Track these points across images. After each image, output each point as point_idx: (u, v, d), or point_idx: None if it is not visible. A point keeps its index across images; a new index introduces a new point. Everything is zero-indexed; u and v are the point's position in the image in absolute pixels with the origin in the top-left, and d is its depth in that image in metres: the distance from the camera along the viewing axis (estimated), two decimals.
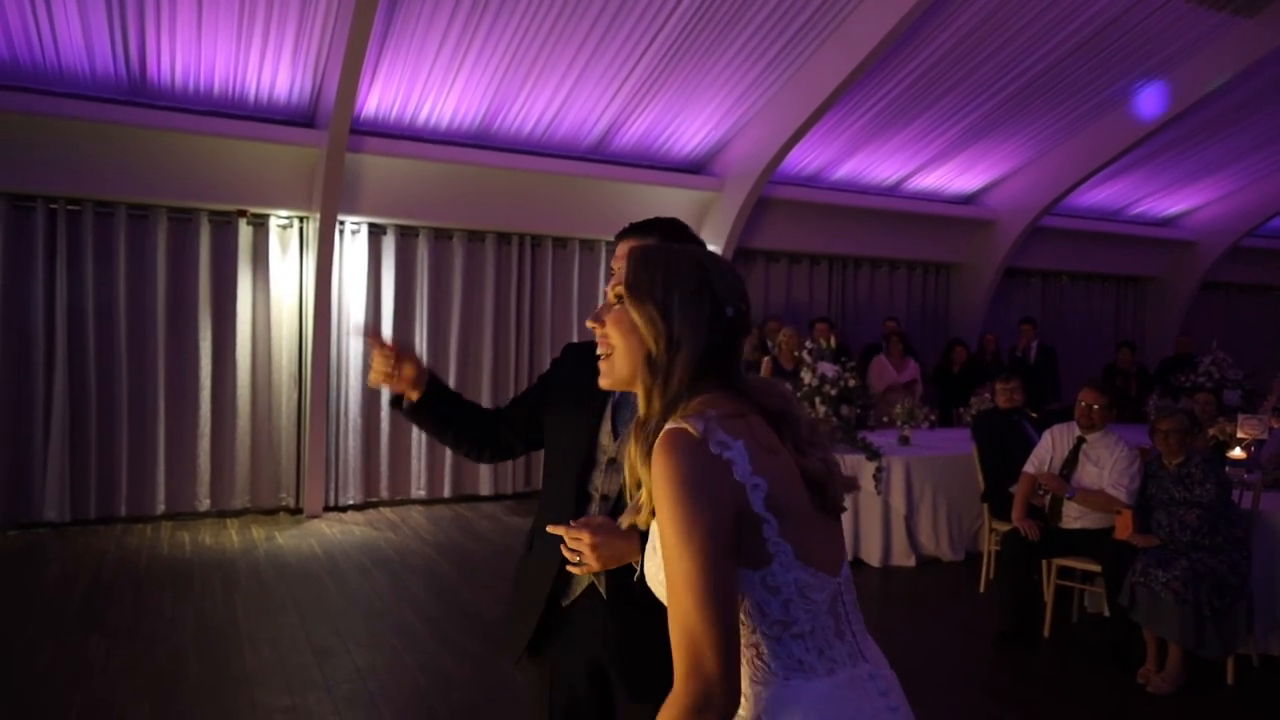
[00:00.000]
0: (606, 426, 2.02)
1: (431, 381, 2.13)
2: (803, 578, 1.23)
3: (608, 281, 1.98)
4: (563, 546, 1.73)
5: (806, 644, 1.26)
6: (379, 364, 2.03)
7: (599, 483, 2.00)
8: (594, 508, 1.99)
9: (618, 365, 1.37)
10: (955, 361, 9.22)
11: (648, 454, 1.24)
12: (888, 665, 1.37)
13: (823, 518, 1.30)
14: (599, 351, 1.42)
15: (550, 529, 1.81)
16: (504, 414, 2.22)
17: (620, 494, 1.96)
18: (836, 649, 1.29)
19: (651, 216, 2.21)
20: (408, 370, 2.06)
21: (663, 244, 1.44)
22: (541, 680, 2.05)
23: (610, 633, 1.93)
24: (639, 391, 1.34)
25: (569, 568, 1.79)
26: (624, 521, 1.43)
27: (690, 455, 1.19)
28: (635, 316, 1.33)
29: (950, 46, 7.42)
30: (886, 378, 8.61)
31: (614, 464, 1.99)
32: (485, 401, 8.24)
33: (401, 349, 2.04)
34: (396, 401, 2.13)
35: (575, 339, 8.59)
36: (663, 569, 1.24)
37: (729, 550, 1.18)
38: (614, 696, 1.99)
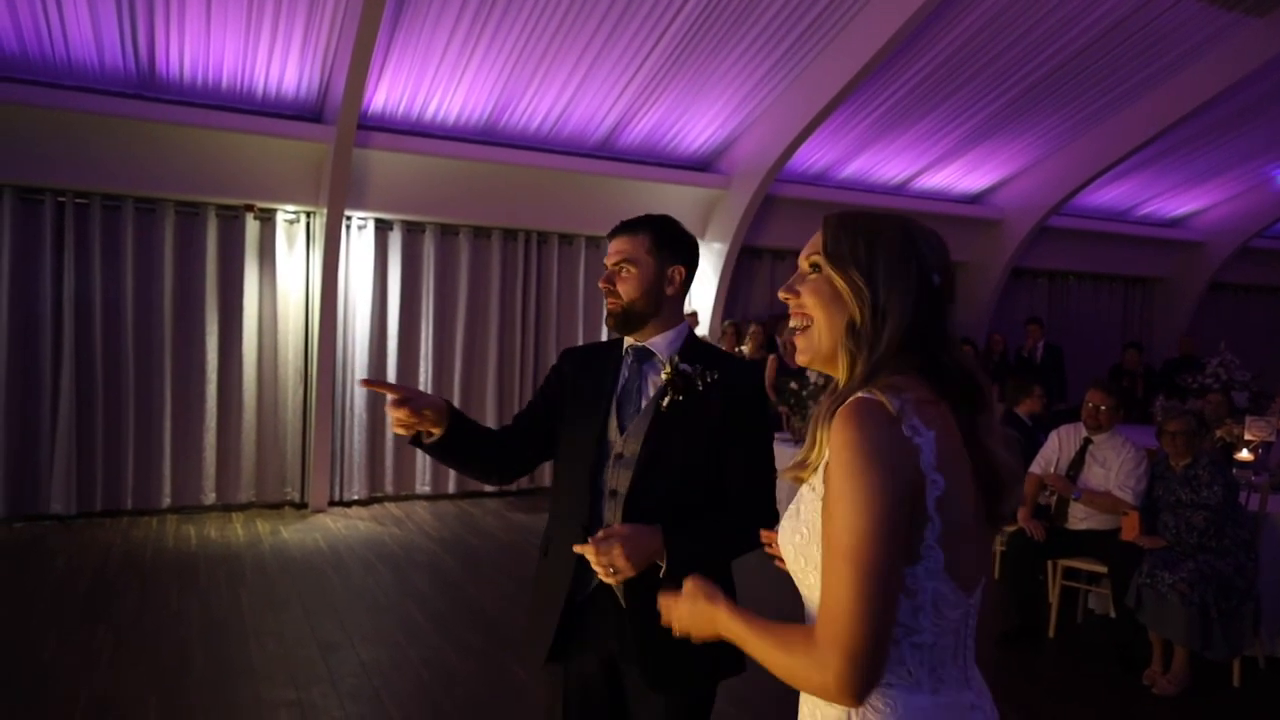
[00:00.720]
0: (613, 422, 2.02)
1: (452, 414, 1.99)
2: (942, 590, 1.17)
3: (602, 278, 2.02)
4: (595, 560, 1.81)
5: (923, 656, 1.21)
6: (400, 416, 1.89)
7: (610, 478, 1.99)
8: (607, 503, 1.99)
9: (817, 339, 1.27)
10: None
11: (831, 414, 1.18)
12: (991, 700, 1.32)
13: (982, 530, 1.23)
14: (793, 324, 1.31)
15: (577, 549, 1.86)
16: (514, 430, 2.17)
17: (630, 488, 1.96)
18: (948, 670, 1.23)
19: (658, 213, 2.22)
20: (427, 412, 1.92)
21: (863, 208, 1.34)
22: (555, 681, 2.05)
23: (626, 627, 1.92)
24: (840, 365, 1.25)
25: (603, 579, 1.86)
26: (785, 475, 1.32)
27: (883, 429, 1.13)
28: (838, 283, 1.24)
29: (959, 45, 7.40)
30: None
31: (621, 459, 1.99)
32: (489, 397, 8.26)
33: (408, 392, 1.92)
34: (417, 440, 1.97)
35: (581, 335, 8.66)
36: (801, 534, 1.22)
37: (900, 533, 1.11)
38: (626, 690, 1.99)
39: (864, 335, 1.21)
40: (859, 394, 1.17)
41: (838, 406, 1.17)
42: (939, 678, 1.22)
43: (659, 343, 2.06)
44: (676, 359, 2.00)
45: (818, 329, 1.27)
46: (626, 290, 2.03)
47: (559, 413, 2.11)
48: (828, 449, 1.17)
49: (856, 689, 1.11)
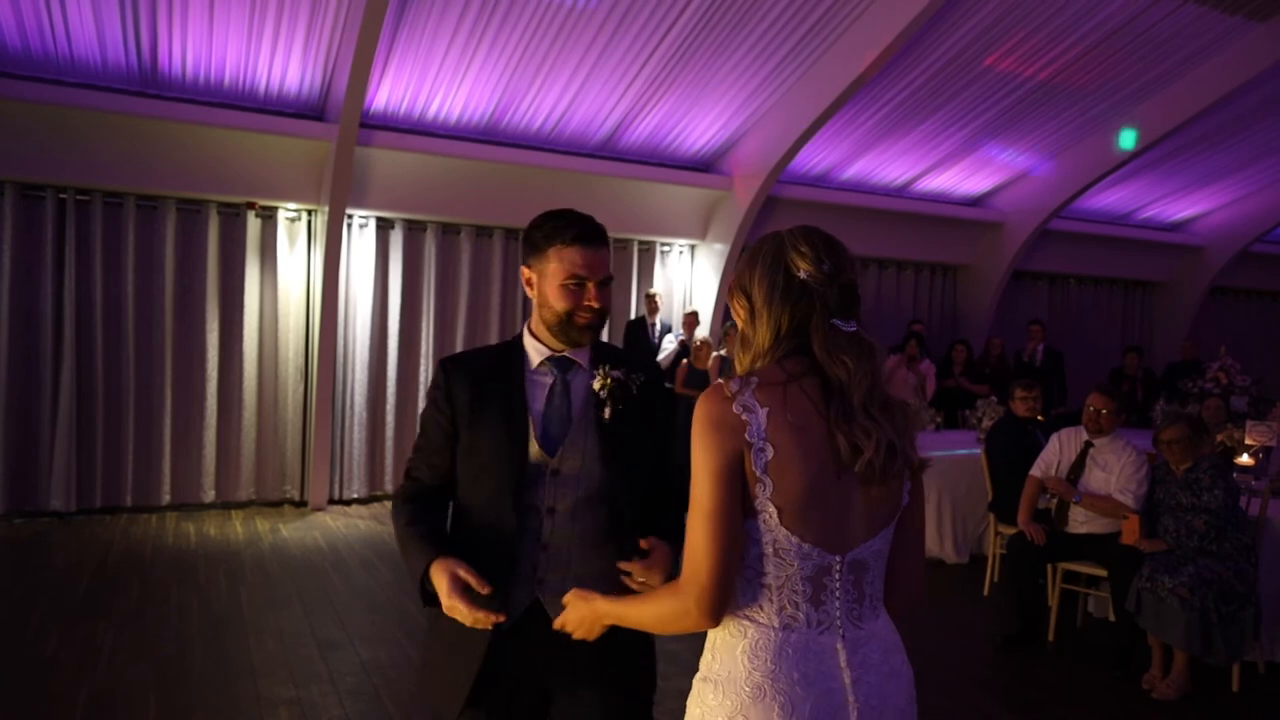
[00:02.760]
0: (533, 435, 1.87)
1: (444, 550, 1.82)
2: (781, 540, 1.37)
3: (595, 292, 1.90)
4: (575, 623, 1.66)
5: (770, 595, 1.41)
6: (480, 618, 1.71)
7: (545, 497, 1.86)
8: (545, 523, 1.86)
9: (738, 335, 1.54)
10: (955, 362, 9.20)
11: None
12: (889, 653, 1.49)
13: (842, 494, 1.39)
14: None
15: (628, 581, 1.70)
16: (435, 482, 1.96)
17: (574, 506, 1.85)
18: (804, 613, 1.41)
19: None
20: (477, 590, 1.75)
21: (767, 234, 1.54)
22: None
23: (563, 649, 1.78)
24: (737, 362, 1.52)
25: (577, 635, 1.65)
26: None
27: (717, 405, 1.39)
28: (734, 305, 1.53)
29: (961, 48, 7.40)
30: (896, 377, 8.62)
31: (558, 475, 1.86)
32: None
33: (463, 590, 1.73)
34: (431, 599, 1.79)
35: None
36: None
37: (732, 486, 1.36)
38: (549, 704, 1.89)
39: (747, 339, 1.48)
40: (716, 381, 1.43)
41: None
42: (791, 616, 1.41)
43: (579, 352, 1.92)
44: (607, 368, 1.89)
45: (737, 340, 1.54)
46: (606, 302, 1.90)
47: (467, 425, 1.89)
48: None
49: (711, 610, 1.36)
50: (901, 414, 1.45)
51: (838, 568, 1.41)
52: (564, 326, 1.87)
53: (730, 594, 1.39)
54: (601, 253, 1.89)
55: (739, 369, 1.49)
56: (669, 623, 1.43)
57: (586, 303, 1.86)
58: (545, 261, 1.87)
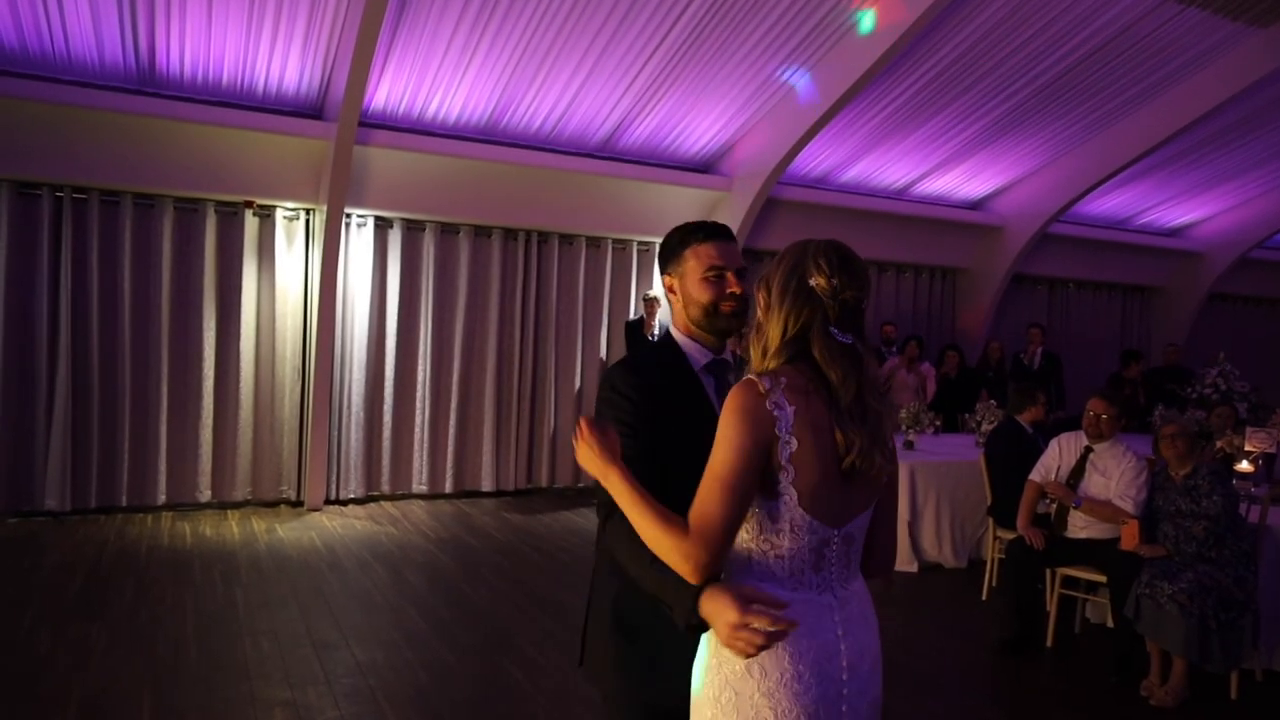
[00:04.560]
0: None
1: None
2: (798, 518, 1.60)
3: (733, 282, 1.97)
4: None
5: (784, 563, 1.64)
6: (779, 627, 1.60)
7: None
8: None
9: (755, 324, 1.75)
10: (948, 367, 9.19)
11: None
12: (865, 609, 1.73)
13: (843, 480, 1.62)
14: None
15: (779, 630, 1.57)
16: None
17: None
18: (808, 577, 1.64)
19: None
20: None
21: (801, 241, 1.74)
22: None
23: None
24: (752, 349, 1.72)
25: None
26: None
27: (751, 397, 1.59)
28: (757, 296, 1.73)
29: (961, 52, 7.39)
30: (897, 380, 8.64)
31: None
32: (487, 397, 8.25)
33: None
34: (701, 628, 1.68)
35: (580, 336, 8.64)
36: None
37: (752, 468, 1.56)
38: None
39: (762, 330, 1.69)
40: (747, 376, 1.63)
41: (735, 384, 1.64)
42: (798, 581, 1.64)
43: (725, 353, 2.00)
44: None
45: (757, 320, 1.74)
46: (746, 289, 1.96)
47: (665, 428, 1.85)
48: None
49: (711, 563, 1.54)
50: (880, 421, 1.66)
51: (835, 540, 1.65)
52: (712, 317, 1.95)
53: (723, 561, 1.58)
54: (732, 246, 2.00)
55: (753, 356, 1.70)
56: (664, 548, 1.57)
57: (729, 290, 1.95)
58: (683, 263, 1.98)
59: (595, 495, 1.90)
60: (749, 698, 1.57)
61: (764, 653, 1.54)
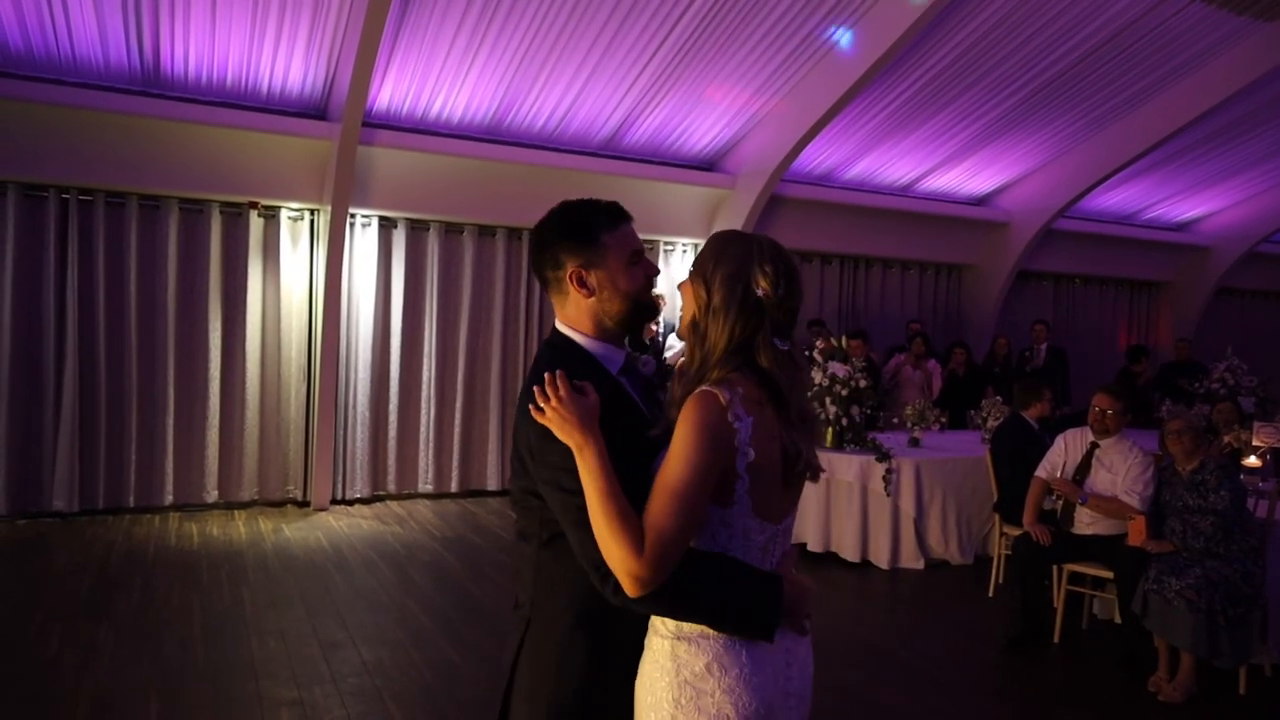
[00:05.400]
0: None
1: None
2: (749, 524, 1.62)
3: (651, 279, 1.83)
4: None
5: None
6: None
7: None
8: None
9: (682, 322, 1.70)
10: (957, 363, 9.17)
11: (683, 398, 1.59)
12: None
13: (786, 484, 1.66)
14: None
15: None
16: None
17: None
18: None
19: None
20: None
21: (736, 233, 1.69)
22: None
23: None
24: (687, 348, 1.67)
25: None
26: (656, 433, 1.67)
27: (713, 413, 1.55)
28: (691, 287, 1.66)
29: (966, 47, 7.37)
30: (902, 376, 8.63)
31: None
32: (493, 397, 8.24)
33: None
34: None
35: None
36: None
37: (710, 483, 1.55)
38: None
39: (700, 329, 1.64)
40: (703, 387, 1.58)
41: (687, 394, 1.59)
42: None
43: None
44: (635, 353, 1.81)
45: (684, 316, 1.69)
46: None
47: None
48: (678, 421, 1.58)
49: (646, 582, 1.51)
50: (814, 423, 1.79)
51: (779, 535, 1.69)
52: (638, 309, 1.74)
53: (666, 575, 1.52)
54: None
55: (692, 357, 1.65)
56: (612, 553, 1.51)
57: (650, 274, 1.76)
58: (603, 252, 1.71)
59: (515, 506, 1.74)
60: (710, 695, 1.60)
61: (722, 651, 1.59)
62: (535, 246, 1.78)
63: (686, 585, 1.55)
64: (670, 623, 1.62)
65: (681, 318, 1.69)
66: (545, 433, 1.58)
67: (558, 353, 1.72)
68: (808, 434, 1.67)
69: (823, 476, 5.09)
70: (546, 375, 1.59)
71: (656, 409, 1.76)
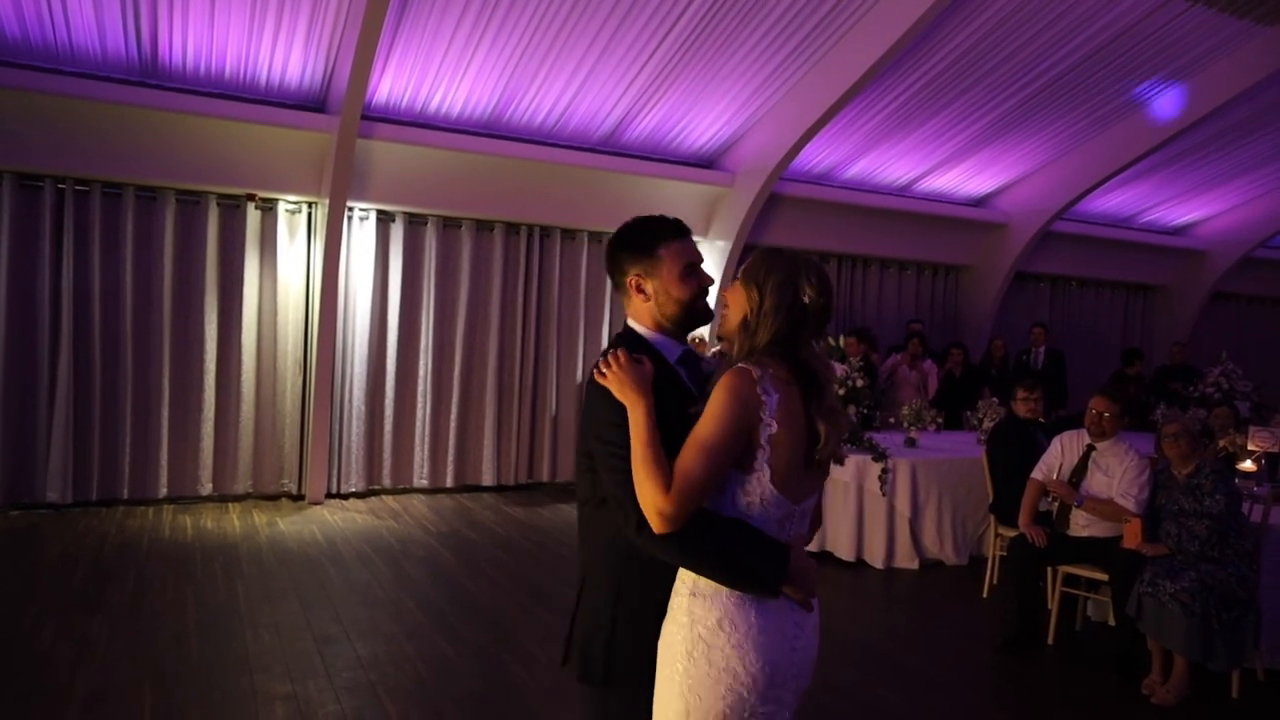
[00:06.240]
0: None
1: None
2: (768, 493, 1.81)
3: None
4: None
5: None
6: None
7: None
8: None
9: (728, 321, 1.91)
10: (954, 364, 9.18)
11: (721, 373, 1.82)
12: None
13: (807, 464, 1.85)
14: (719, 309, 2.05)
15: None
16: None
17: None
18: None
19: (660, 211, 2.16)
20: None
21: (774, 247, 1.93)
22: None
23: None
24: (735, 343, 1.89)
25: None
26: (697, 409, 1.87)
27: (745, 384, 1.79)
28: (743, 291, 1.89)
29: (966, 49, 7.37)
30: (899, 376, 8.63)
31: None
32: (489, 391, 8.23)
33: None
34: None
35: (582, 331, 8.63)
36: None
37: (734, 441, 1.77)
38: None
39: (750, 327, 1.87)
40: (739, 364, 1.83)
41: (725, 370, 1.83)
42: None
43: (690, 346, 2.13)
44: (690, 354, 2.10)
45: (730, 316, 1.92)
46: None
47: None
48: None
49: (669, 518, 1.73)
50: (842, 417, 1.89)
51: (796, 514, 1.88)
52: (689, 313, 2.02)
53: (687, 518, 1.75)
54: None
55: (736, 346, 1.88)
56: (644, 491, 1.74)
57: (704, 284, 2.03)
58: (658, 262, 2.00)
59: (576, 474, 2.05)
60: (720, 649, 1.78)
61: (733, 608, 1.79)
62: (607, 254, 2.09)
63: (703, 536, 1.78)
64: (688, 578, 1.83)
65: (727, 317, 1.92)
66: (602, 393, 1.87)
67: (623, 339, 2.05)
68: (835, 424, 1.85)
69: None
70: (610, 351, 1.90)
71: (704, 397, 1.95)
